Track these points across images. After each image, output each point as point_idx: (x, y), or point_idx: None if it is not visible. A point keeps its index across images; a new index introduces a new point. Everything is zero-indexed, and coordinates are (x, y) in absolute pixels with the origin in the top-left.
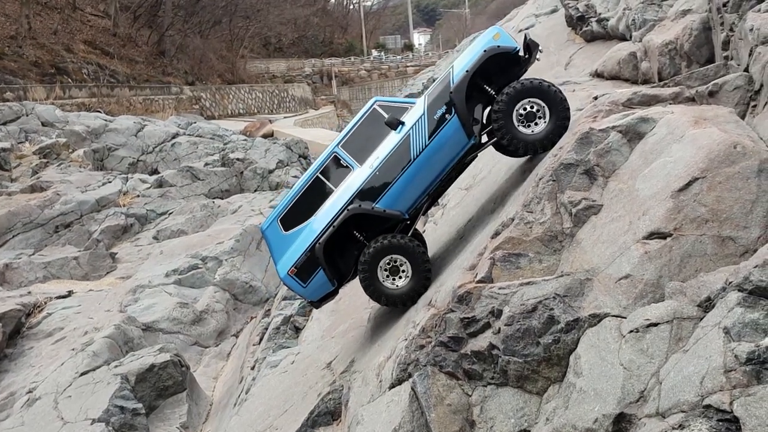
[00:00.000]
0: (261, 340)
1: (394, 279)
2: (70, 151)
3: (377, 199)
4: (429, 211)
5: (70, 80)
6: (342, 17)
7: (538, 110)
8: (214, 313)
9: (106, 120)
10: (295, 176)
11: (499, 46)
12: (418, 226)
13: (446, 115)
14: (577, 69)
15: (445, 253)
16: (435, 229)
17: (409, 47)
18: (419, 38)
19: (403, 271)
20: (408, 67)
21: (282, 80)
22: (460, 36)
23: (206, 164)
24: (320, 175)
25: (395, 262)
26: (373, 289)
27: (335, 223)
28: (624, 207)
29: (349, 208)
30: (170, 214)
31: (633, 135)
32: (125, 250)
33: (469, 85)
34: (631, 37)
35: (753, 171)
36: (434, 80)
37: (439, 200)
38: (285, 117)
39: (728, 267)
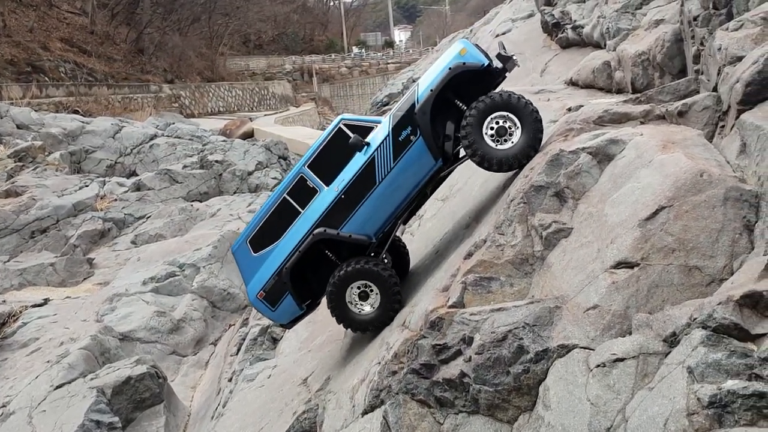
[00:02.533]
0: (238, 350)
1: (362, 304)
2: (46, 154)
3: (343, 223)
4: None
5: (46, 79)
6: (322, 14)
7: (509, 125)
8: (191, 321)
9: (82, 122)
10: (275, 178)
11: (464, 63)
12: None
13: (411, 137)
14: (552, 76)
15: (421, 269)
16: (411, 241)
17: (389, 44)
18: (400, 35)
19: (372, 297)
20: (389, 64)
21: (262, 78)
22: (441, 33)
23: (185, 166)
24: (287, 196)
25: (365, 287)
26: (339, 313)
27: (301, 248)
28: (593, 232)
29: (314, 233)
30: (148, 218)
31: (603, 157)
32: (103, 255)
33: (438, 101)
34: (605, 45)
35: (719, 199)
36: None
37: (404, 226)
38: (265, 115)
39: (693, 301)
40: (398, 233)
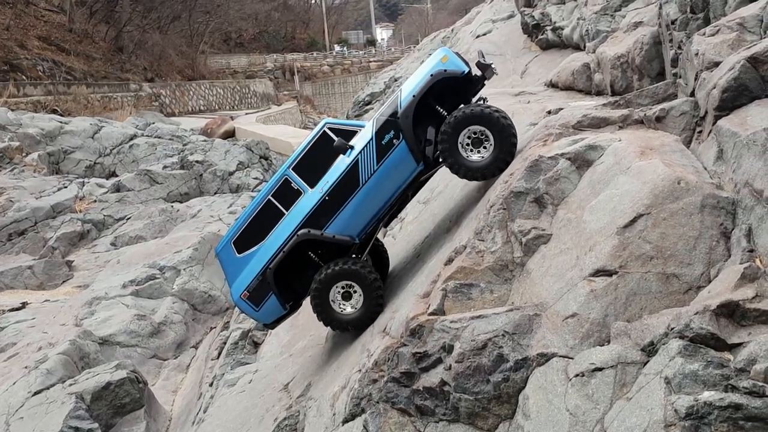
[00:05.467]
0: (219, 354)
1: (345, 304)
2: (24, 154)
3: (327, 224)
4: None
5: (24, 78)
6: (304, 12)
7: (484, 137)
8: (172, 324)
9: (61, 122)
10: (256, 178)
11: (446, 70)
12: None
13: (394, 141)
14: (532, 77)
15: (403, 272)
16: (393, 243)
17: (371, 42)
18: (381, 33)
19: (355, 297)
20: (371, 62)
21: (243, 76)
22: (423, 31)
23: (165, 167)
24: (272, 198)
25: (348, 287)
26: (323, 313)
27: (285, 249)
28: (572, 239)
29: (298, 233)
30: (128, 219)
31: (582, 162)
32: (82, 257)
33: (419, 107)
34: (585, 47)
35: (696, 207)
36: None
37: (385, 229)
38: (247, 113)
39: (671, 310)
40: (379, 235)
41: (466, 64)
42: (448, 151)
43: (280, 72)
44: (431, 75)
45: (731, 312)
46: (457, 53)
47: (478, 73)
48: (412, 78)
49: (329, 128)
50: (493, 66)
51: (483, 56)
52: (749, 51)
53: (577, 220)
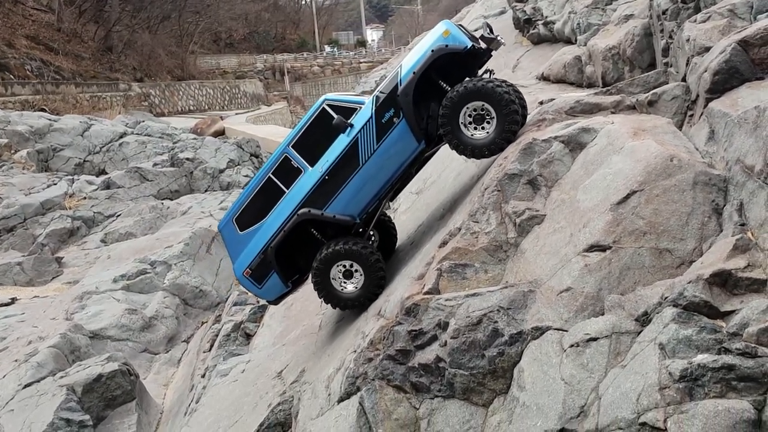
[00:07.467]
0: (211, 347)
1: (346, 283)
2: (13, 152)
3: (327, 203)
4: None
5: (12, 77)
6: (294, 13)
7: (485, 112)
8: (163, 318)
9: (50, 119)
10: (246, 176)
11: (447, 45)
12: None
13: (394, 119)
14: (524, 72)
15: (396, 260)
16: None
17: (361, 43)
18: (372, 34)
19: (356, 277)
20: (361, 63)
21: (233, 76)
22: (413, 32)
23: (155, 164)
24: (272, 176)
25: (349, 266)
26: (324, 292)
27: (285, 228)
28: (566, 218)
29: (298, 213)
30: (118, 216)
31: (575, 145)
32: (72, 254)
33: (420, 83)
34: (576, 40)
35: (688, 183)
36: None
37: (391, 204)
38: (237, 113)
39: (664, 281)
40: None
41: (471, 37)
42: (450, 131)
43: (270, 72)
44: (432, 51)
45: (724, 281)
46: (460, 25)
47: (484, 46)
48: (413, 53)
49: (328, 105)
50: (499, 38)
51: (489, 28)
52: (740, 35)
53: (571, 200)
